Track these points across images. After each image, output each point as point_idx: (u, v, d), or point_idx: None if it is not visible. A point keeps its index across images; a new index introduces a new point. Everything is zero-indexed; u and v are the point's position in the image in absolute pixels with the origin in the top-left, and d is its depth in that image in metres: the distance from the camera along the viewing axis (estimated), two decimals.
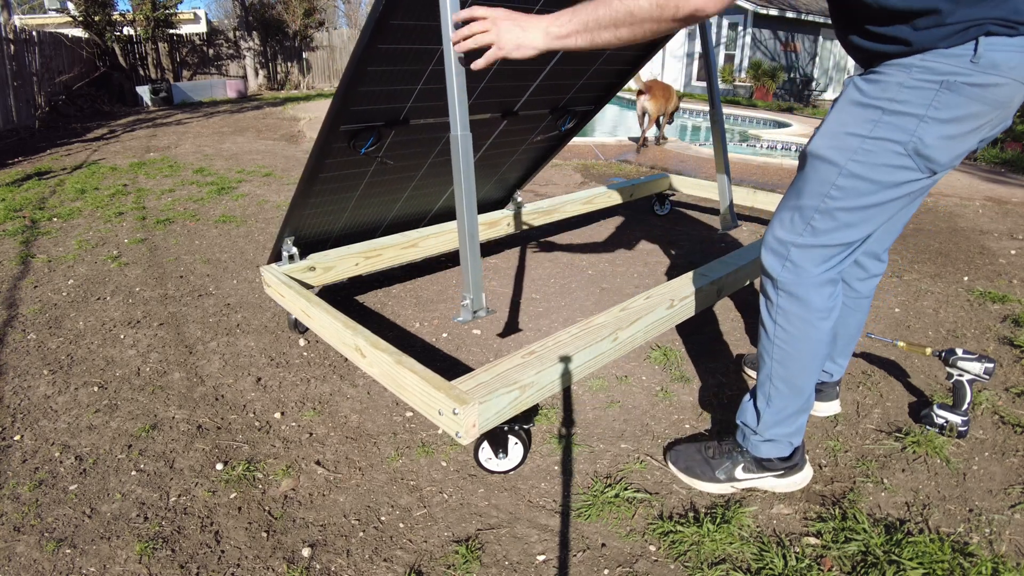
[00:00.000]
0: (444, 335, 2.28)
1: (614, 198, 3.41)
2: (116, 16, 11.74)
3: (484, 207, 3.07)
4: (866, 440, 1.67)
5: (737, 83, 15.29)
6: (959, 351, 1.66)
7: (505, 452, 1.52)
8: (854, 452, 1.62)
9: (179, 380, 1.97)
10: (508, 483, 1.52)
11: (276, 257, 2.24)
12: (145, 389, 1.91)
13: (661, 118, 6.87)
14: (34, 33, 8.89)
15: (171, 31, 12.77)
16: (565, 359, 1.58)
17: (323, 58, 15.29)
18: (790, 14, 15.74)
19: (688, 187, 3.75)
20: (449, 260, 3.05)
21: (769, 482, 1.45)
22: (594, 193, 3.31)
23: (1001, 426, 1.72)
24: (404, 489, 1.50)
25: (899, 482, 1.50)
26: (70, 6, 11.92)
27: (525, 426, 1.65)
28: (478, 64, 1.32)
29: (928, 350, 1.76)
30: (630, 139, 6.98)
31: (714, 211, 4.02)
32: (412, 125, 2.06)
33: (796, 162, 1.28)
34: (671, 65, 17.33)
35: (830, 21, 1.28)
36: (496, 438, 1.51)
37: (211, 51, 13.98)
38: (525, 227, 3.01)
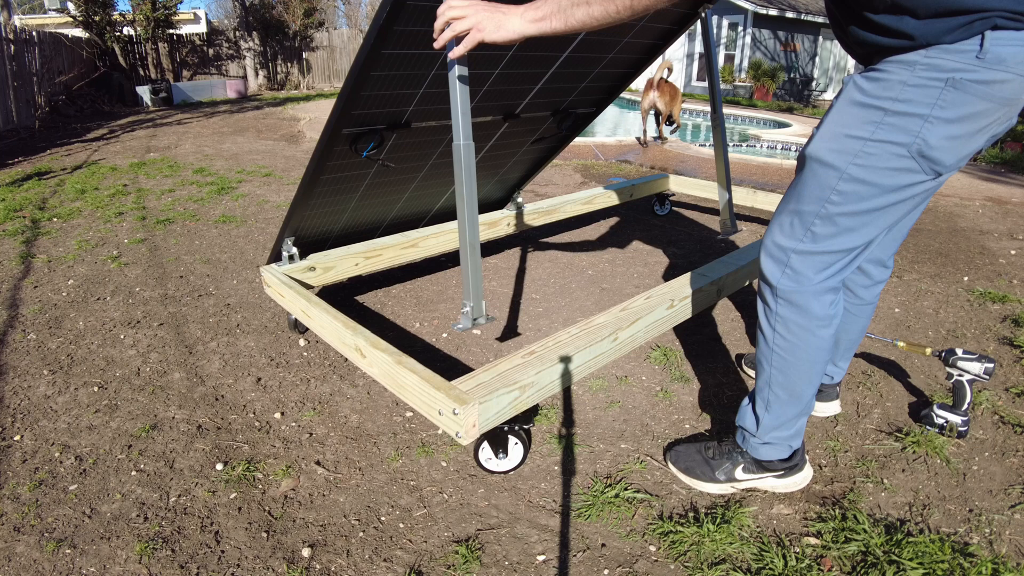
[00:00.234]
0: (444, 335, 2.28)
1: (614, 198, 3.41)
2: (116, 16, 11.74)
3: (484, 207, 3.07)
4: (866, 440, 1.67)
5: (737, 83, 15.29)
6: (959, 351, 1.66)
7: (505, 452, 1.52)
8: (854, 452, 1.62)
9: (179, 380, 1.97)
10: (508, 483, 1.52)
11: (276, 257, 2.24)
12: (145, 389, 1.91)
13: (661, 116, 6.90)
14: (34, 33, 8.90)
15: (171, 31, 12.77)
16: (565, 359, 1.58)
17: (323, 58, 15.29)
18: (790, 14, 15.74)
19: (688, 187, 3.75)
20: (449, 260, 3.05)
21: (769, 482, 1.45)
22: (594, 193, 3.31)
23: (1001, 426, 1.72)
24: (404, 489, 1.50)
25: (899, 482, 1.50)
26: (70, 6, 11.93)
27: (525, 426, 1.65)
28: (457, 51, 1.31)
29: (928, 350, 1.76)
30: (636, 139, 7.02)
31: (714, 211, 4.02)
32: (414, 128, 2.07)
33: (796, 162, 1.26)
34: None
35: (828, 21, 1.25)
36: (496, 438, 1.51)
37: (211, 51, 13.99)
38: (525, 227, 3.01)
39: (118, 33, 11.79)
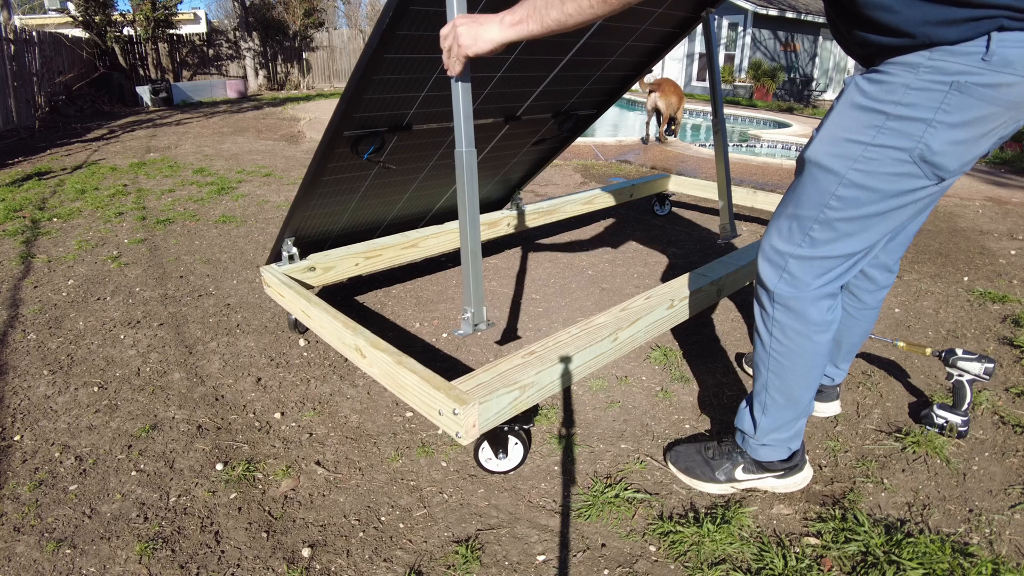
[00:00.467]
0: (444, 335, 2.28)
1: (614, 198, 3.41)
2: (116, 16, 11.74)
3: (485, 207, 3.07)
4: (866, 440, 1.67)
5: (737, 83, 15.29)
6: (959, 351, 1.66)
7: (505, 452, 1.52)
8: (854, 452, 1.62)
9: (179, 380, 1.97)
10: (508, 483, 1.52)
11: (276, 257, 2.24)
12: (145, 389, 1.91)
13: (662, 116, 6.94)
14: (34, 33, 8.90)
15: (171, 31, 12.77)
16: (565, 359, 1.58)
17: (323, 58, 15.29)
18: (790, 14, 15.75)
19: (688, 187, 3.75)
20: (449, 260, 3.05)
21: (769, 483, 1.45)
22: (594, 193, 3.31)
23: (1001, 426, 1.72)
24: (404, 489, 1.50)
25: (899, 482, 1.50)
26: (70, 6, 11.92)
27: (525, 426, 1.65)
28: (451, 70, 1.33)
29: (928, 350, 1.76)
30: (641, 139, 7.07)
31: (714, 211, 4.02)
32: (415, 130, 2.07)
33: (795, 165, 1.25)
34: (671, 66, 17.33)
35: (826, 20, 1.24)
36: (496, 438, 1.51)
37: (211, 51, 13.99)
38: (525, 227, 3.01)
39: (118, 33, 11.79)
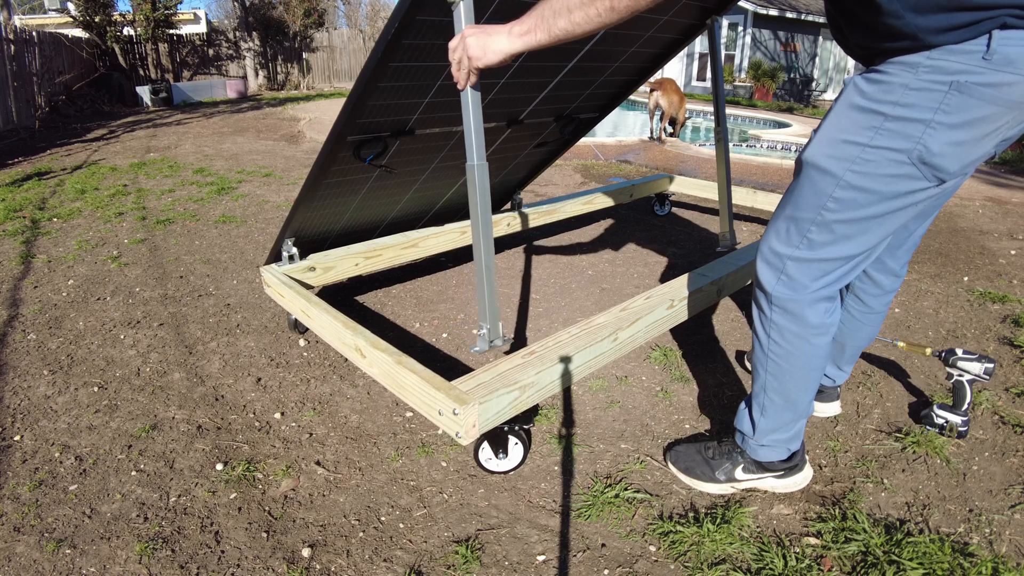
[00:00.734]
0: (444, 335, 2.28)
1: (614, 198, 3.41)
2: (116, 16, 11.74)
3: None
4: (866, 440, 1.67)
5: (737, 83, 15.29)
6: (959, 351, 1.66)
7: (505, 452, 1.52)
8: (854, 452, 1.62)
9: (179, 380, 1.97)
10: (508, 483, 1.52)
11: (276, 257, 2.24)
12: (145, 389, 1.91)
13: (663, 115, 6.97)
14: (34, 33, 8.90)
15: (171, 31, 12.77)
16: (565, 359, 1.58)
17: (323, 59, 15.29)
18: (790, 14, 15.75)
19: (688, 187, 3.75)
20: (449, 260, 3.05)
21: (769, 483, 1.45)
22: (594, 193, 3.32)
23: (1001, 426, 1.72)
24: (404, 489, 1.50)
25: (899, 482, 1.50)
26: (70, 6, 11.93)
27: (525, 426, 1.65)
28: (460, 83, 1.33)
29: (928, 350, 1.76)
30: (648, 139, 7.10)
31: (714, 211, 4.02)
32: (418, 135, 2.07)
33: (793, 166, 1.24)
34: (671, 66, 17.33)
35: (827, 20, 1.23)
36: (496, 438, 1.51)
37: (211, 51, 13.99)
38: (525, 227, 3.01)
39: (118, 33, 11.79)
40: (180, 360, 2.09)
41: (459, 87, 1.36)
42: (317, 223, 2.28)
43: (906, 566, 1.23)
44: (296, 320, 2.18)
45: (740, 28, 15.82)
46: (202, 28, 14.09)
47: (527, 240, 3.37)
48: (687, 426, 1.75)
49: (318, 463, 1.59)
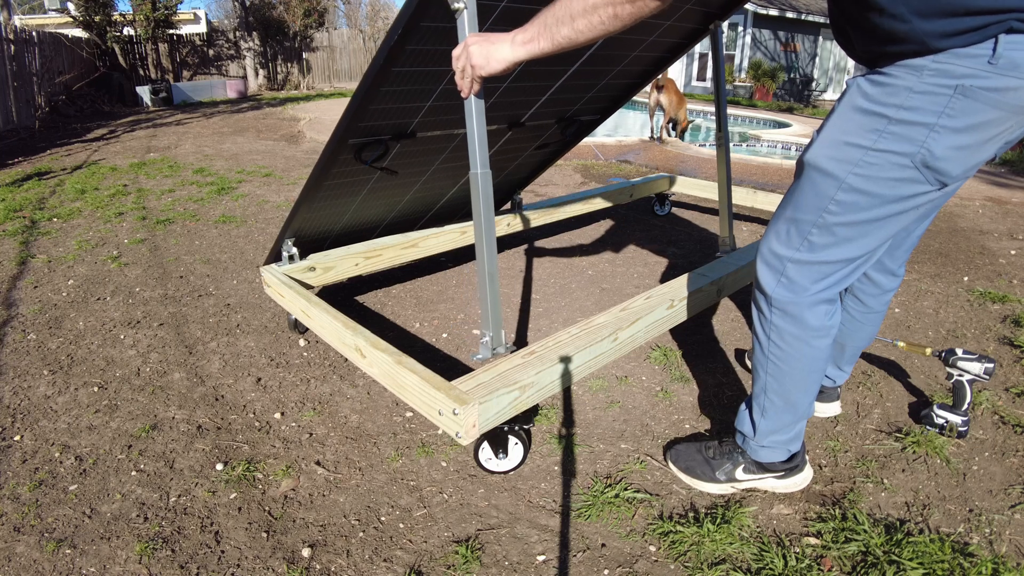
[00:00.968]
0: (444, 335, 2.28)
1: (614, 198, 3.41)
2: (116, 16, 11.74)
3: None
4: (866, 440, 1.67)
5: (737, 83, 15.30)
6: (959, 351, 1.66)
7: (505, 452, 1.52)
8: (854, 452, 1.62)
9: (179, 380, 1.97)
10: (508, 483, 1.52)
11: (275, 257, 2.24)
12: (145, 389, 1.91)
13: (664, 116, 6.98)
14: (34, 33, 8.90)
15: (171, 31, 12.77)
16: (565, 359, 1.58)
17: (323, 58, 15.29)
18: (790, 14, 15.75)
19: (688, 187, 3.75)
20: (449, 260, 3.05)
21: (769, 483, 1.45)
22: (594, 193, 3.32)
23: (1001, 426, 1.72)
24: (404, 489, 1.50)
25: (899, 482, 1.50)
26: (70, 6, 11.92)
27: (525, 426, 1.65)
28: (464, 91, 1.33)
29: (928, 350, 1.76)
30: (648, 139, 7.12)
31: (714, 211, 4.02)
32: (419, 137, 2.07)
33: (795, 167, 1.23)
34: (671, 66, 17.33)
35: (828, 21, 1.22)
36: (496, 438, 1.51)
37: (211, 51, 13.99)
38: (525, 227, 3.01)
39: (118, 33, 11.79)
40: (180, 360, 2.09)
41: (463, 95, 1.36)
42: (317, 223, 2.28)
43: (906, 566, 1.23)
44: (296, 320, 2.18)
45: (740, 28, 15.82)
46: (202, 28, 14.09)
47: (527, 240, 3.37)
48: (687, 426, 1.75)
49: (318, 463, 1.59)
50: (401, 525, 1.38)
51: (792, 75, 16.86)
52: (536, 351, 1.60)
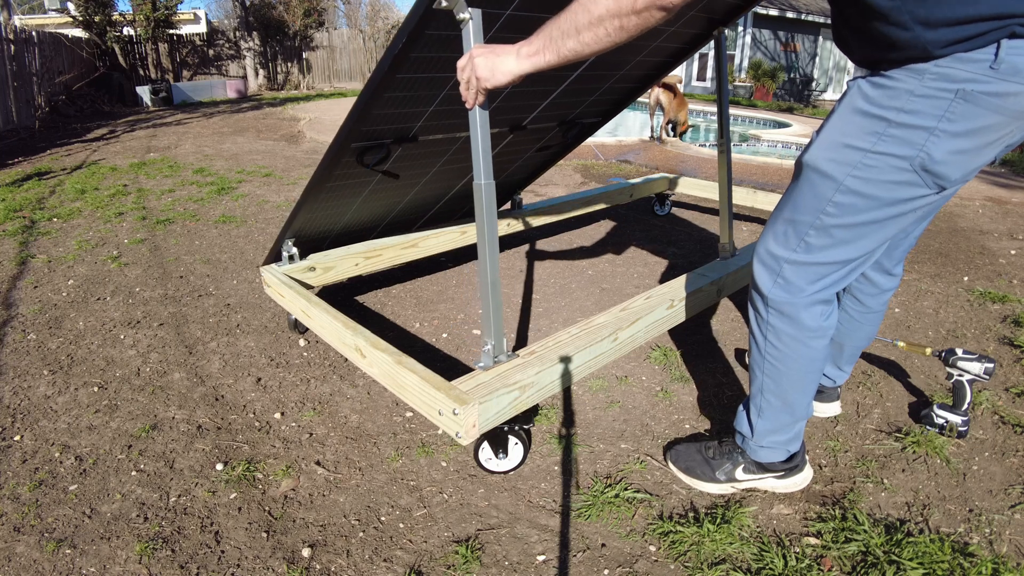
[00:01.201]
0: (444, 335, 2.28)
1: (614, 198, 3.41)
2: (116, 16, 11.74)
3: None
4: (866, 440, 1.67)
5: (737, 83, 15.30)
6: (959, 351, 1.66)
7: (505, 452, 1.52)
8: (854, 452, 1.62)
9: (179, 380, 1.97)
10: (508, 483, 1.52)
11: (276, 258, 2.24)
12: (145, 389, 1.91)
13: (664, 116, 6.99)
14: (34, 33, 8.89)
15: (171, 31, 12.77)
16: (565, 359, 1.58)
17: (323, 58, 15.29)
18: (790, 14, 15.75)
19: (688, 187, 3.75)
20: (449, 260, 3.05)
21: (769, 483, 1.45)
22: (594, 193, 3.31)
23: (1001, 426, 1.72)
24: (404, 489, 1.50)
25: (899, 482, 1.50)
26: (70, 6, 11.92)
27: (525, 426, 1.65)
28: (469, 103, 1.32)
29: (928, 350, 1.76)
30: (648, 139, 7.12)
31: (714, 211, 4.02)
32: (421, 141, 2.07)
33: (793, 167, 1.23)
34: None
35: (829, 22, 1.22)
36: (496, 438, 1.51)
37: (211, 51, 13.99)
38: (525, 227, 3.01)
39: (118, 33, 11.79)
40: (180, 360, 2.09)
41: (467, 106, 1.35)
42: (318, 224, 2.28)
43: (906, 566, 1.23)
44: (296, 320, 2.18)
45: (740, 28, 15.82)
46: (202, 28, 14.09)
47: (527, 240, 3.37)
48: (687, 426, 1.75)
49: (318, 463, 1.59)
50: (401, 525, 1.38)
51: (792, 75, 16.86)
52: (536, 351, 1.60)
